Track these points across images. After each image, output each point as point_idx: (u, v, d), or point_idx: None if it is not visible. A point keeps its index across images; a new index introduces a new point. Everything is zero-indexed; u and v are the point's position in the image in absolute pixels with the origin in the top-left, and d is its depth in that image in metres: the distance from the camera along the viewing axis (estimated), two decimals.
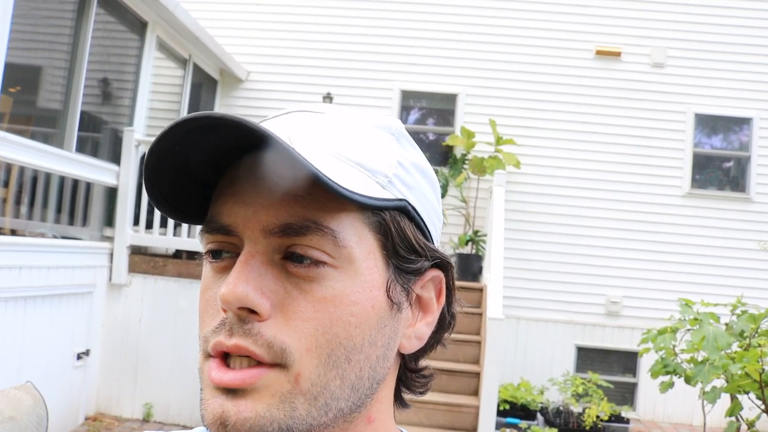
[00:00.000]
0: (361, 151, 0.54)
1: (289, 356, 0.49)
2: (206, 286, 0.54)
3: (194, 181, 0.55)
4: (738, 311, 3.87)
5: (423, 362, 0.63)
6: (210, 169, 0.54)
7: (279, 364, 0.49)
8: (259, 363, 0.49)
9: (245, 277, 0.49)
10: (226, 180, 0.54)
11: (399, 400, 0.62)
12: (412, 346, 0.57)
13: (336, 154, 0.53)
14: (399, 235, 0.54)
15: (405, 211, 0.55)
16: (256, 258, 0.51)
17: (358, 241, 0.52)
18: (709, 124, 7.74)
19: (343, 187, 0.49)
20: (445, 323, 0.61)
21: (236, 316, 0.49)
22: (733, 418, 3.56)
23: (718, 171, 7.82)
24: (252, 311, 0.49)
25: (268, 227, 0.50)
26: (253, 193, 0.51)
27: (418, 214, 0.56)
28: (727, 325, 3.83)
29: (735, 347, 3.63)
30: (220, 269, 0.54)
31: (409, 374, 0.61)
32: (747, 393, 3.44)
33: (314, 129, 0.54)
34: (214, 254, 0.54)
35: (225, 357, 0.50)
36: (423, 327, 0.58)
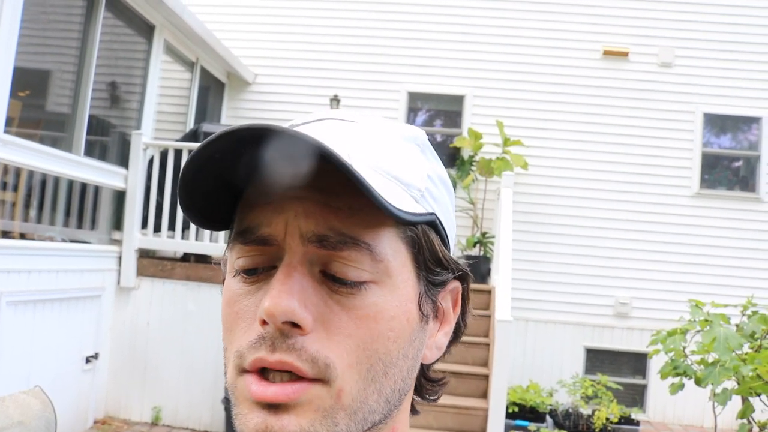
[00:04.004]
0: (396, 165, 0.54)
1: (332, 372, 0.49)
2: (235, 299, 0.53)
3: (219, 186, 0.53)
4: (749, 312, 3.84)
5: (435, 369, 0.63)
6: (237, 176, 0.53)
7: (321, 379, 0.49)
8: (300, 378, 0.48)
9: (289, 291, 0.48)
10: (258, 188, 0.52)
11: (411, 407, 0.62)
12: (432, 356, 0.58)
13: (375, 168, 0.53)
14: (428, 248, 0.55)
15: (433, 224, 0.56)
16: (298, 270, 0.50)
17: (393, 254, 0.52)
18: (717, 123, 7.70)
19: (390, 204, 0.49)
20: (459, 332, 0.62)
21: (278, 330, 0.48)
22: (745, 421, 3.53)
23: (727, 171, 7.78)
24: (295, 325, 0.48)
25: (306, 234, 0.50)
26: (293, 200, 0.50)
27: (443, 227, 0.57)
28: (737, 326, 3.80)
29: (746, 348, 3.61)
30: (252, 282, 0.52)
31: (425, 382, 0.62)
32: (759, 395, 3.41)
33: (352, 140, 0.53)
34: (248, 271, 0.52)
35: (262, 371, 0.49)
36: (442, 337, 0.59)
